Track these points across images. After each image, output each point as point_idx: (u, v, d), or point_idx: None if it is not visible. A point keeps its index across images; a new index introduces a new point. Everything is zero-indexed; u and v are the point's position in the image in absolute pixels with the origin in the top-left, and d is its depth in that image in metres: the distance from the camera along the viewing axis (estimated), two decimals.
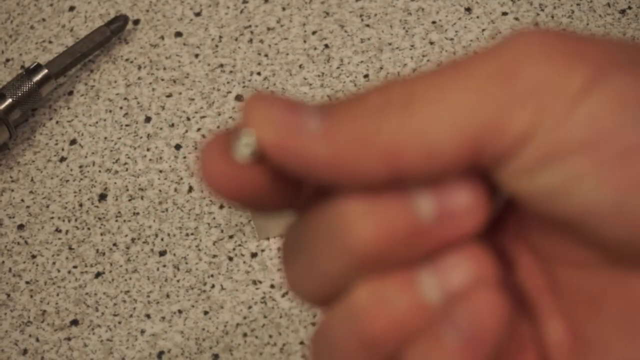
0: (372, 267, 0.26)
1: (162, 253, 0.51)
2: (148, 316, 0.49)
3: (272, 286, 0.49)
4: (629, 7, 0.57)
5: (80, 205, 0.53)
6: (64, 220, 0.52)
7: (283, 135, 0.25)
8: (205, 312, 0.49)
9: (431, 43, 0.57)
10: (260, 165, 0.26)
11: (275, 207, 0.28)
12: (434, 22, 0.58)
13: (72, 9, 0.61)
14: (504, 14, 0.58)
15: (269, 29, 0.59)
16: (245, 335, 0.48)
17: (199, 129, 0.55)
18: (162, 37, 0.59)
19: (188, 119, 0.55)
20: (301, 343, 0.48)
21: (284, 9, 0.59)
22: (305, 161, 0.25)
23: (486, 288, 0.26)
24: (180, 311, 0.49)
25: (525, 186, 0.25)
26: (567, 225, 0.26)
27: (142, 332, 0.49)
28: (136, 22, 0.60)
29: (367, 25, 0.58)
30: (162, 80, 0.57)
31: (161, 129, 0.55)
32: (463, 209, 0.26)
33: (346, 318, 0.27)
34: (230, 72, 0.57)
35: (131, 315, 0.49)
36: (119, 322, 0.49)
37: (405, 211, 0.26)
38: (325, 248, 0.27)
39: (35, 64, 0.55)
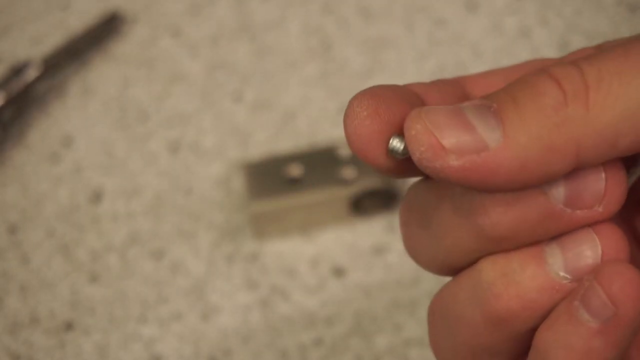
0: (501, 245, 0.27)
1: (159, 255, 0.50)
2: (144, 320, 0.49)
3: (271, 289, 0.49)
4: None
5: (75, 206, 0.52)
6: (57, 222, 0.52)
7: (464, 161, 0.25)
8: (203, 316, 0.48)
9: (434, 40, 0.57)
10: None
11: (411, 174, 0.28)
12: (437, 19, 0.58)
13: (66, 4, 0.61)
14: (509, 11, 0.57)
15: (268, 26, 0.58)
16: (244, 339, 0.48)
17: (196, 129, 0.55)
18: (159, 35, 0.59)
19: (186, 118, 0.55)
20: (300, 347, 0.47)
21: (284, 5, 0.60)
22: (491, 176, 0.25)
23: (619, 264, 0.26)
24: (177, 315, 0.49)
25: None
26: None
27: (139, 336, 0.48)
28: (133, 18, 0.60)
29: (369, 23, 0.58)
30: (159, 78, 0.57)
31: (158, 129, 0.55)
32: (598, 193, 0.26)
33: (472, 292, 0.28)
34: (229, 70, 0.57)
35: (127, 319, 0.49)
36: (115, 327, 0.49)
37: (537, 194, 0.26)
38: (454, 224, 0.27)
39: (27, 60, 0.55)
